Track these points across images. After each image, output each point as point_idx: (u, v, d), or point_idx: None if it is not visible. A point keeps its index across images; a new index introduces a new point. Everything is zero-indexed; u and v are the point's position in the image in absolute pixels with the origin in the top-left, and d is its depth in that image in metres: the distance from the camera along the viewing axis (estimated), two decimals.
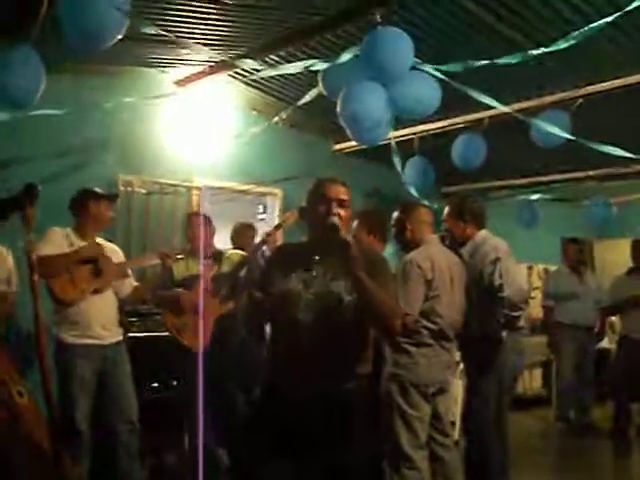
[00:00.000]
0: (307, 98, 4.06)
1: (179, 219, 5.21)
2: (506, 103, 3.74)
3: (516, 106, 4.72)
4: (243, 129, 5.46)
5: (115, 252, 3.96)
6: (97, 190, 3.86)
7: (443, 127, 5.81)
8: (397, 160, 4.69)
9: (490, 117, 5.29)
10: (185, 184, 5.47)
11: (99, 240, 3.88)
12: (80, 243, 3.77)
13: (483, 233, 3.96)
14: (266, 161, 6.03)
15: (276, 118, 4.60)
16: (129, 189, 5.09)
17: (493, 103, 3.44)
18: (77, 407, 3.65)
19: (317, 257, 2.23)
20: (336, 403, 2.13)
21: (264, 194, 6.22)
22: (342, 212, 2.25)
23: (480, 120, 5.40)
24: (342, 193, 2.29)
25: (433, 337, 3.38)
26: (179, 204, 5.40)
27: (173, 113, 5.34)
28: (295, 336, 2.21)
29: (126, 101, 4.05)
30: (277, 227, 4.11)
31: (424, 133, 5.91)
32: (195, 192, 5.54)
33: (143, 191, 5.15)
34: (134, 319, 4.60)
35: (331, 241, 2.10)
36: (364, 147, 5.36)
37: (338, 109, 3.52)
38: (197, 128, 5.48)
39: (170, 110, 5.30)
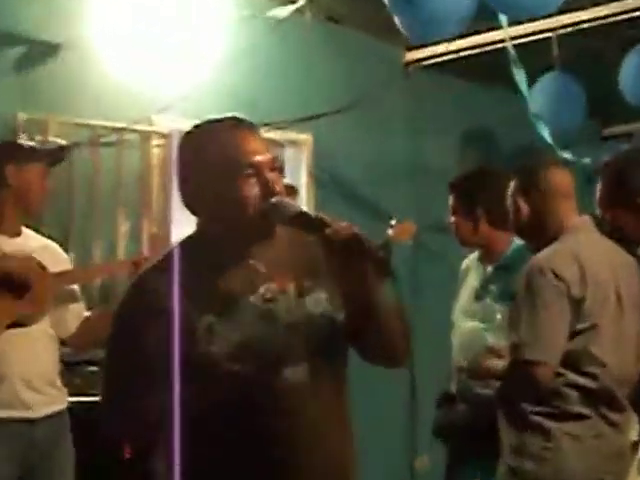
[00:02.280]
0: None
1: (129, 187, 4.55)
2: None
3: None
4: (241, 31, 4.78)
5: (53, 255, 3.45)
6: (21, 143, 3.62)
7: (605, 17, 4.78)
8: (520, 78, 4.42)
9: None
10: (139, 128, 4.67)
11: (26, 233, 3.43)
12: None
13: None
14: (282, 85, 5.19)
15: (301, 1, 4.32)
16: (38, 137, 4.26)
17: None
18: None
19: (253, 260, 1.79)
20: None
21: (279, 143, 5.33)
22: (276, 176, 1.80)
23: None
24: (265, 147, 1.80)
25: (588, 402, 2.84)
26: (128, 161, 4.66)
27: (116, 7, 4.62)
28: (272, 437, 1.72)
29: None
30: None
31: (569, 29, 4.94)
32: (157, 141, 4.76)
33: (61, 141, 4.32)
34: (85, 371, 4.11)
35: (268, 226, 1.74)
36: (458, 55, 5.07)
37: None
38: (160, 32, 4.62)
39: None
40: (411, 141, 5.19)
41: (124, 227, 4.37)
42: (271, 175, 1.78)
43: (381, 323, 1.79)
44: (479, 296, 3.18)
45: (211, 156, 1.78)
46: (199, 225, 1.85)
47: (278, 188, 1.76)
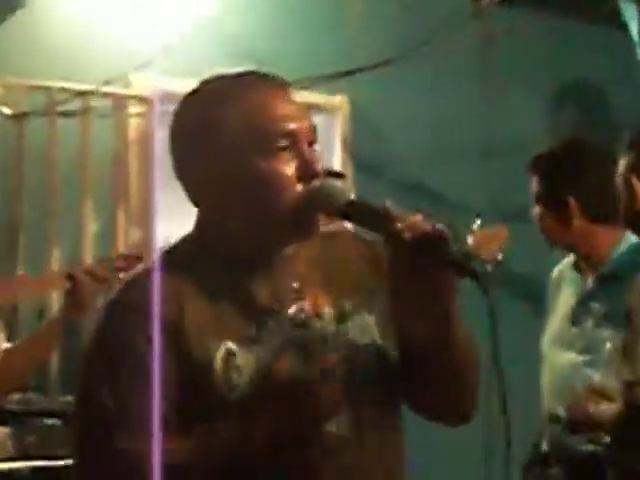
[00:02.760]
0: None
1: (99, 171, 4.44)
2: None
3: None
4: None
5: None
6: None
7: None
8: (629, 14, 4.56)
9: None
10: (111, 90, 4.50)
11: None
12: None
13: None
14: (302, 31, 5.02)
15: None
16: None
17: None
18: None
19: (296, 284, 1.77)
20: None
21: (307, 107, 4.75)
22: (316, 152, 1.78)
23: None
24: (302, 112, 1.76)
25: None
26: (97, 135, 4.51)
27: None
28: None
29: None
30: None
31: None
32: (135, 108, 4.65)
33: (6, 111, 4.27)
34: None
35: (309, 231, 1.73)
36: None
37: None
38: None
39: None
40: (482, 103, 4.88)
41: (92, 226, 4.22)
42: (310, 150, 1.73)
43: (454, 360, 1.76)
44: (577, 318, 3.06)
45: (226, 123, 1.72)
46: (205, 221, 1.80)
47: (319, 167, 1.71)
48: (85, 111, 4.35)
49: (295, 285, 1.74)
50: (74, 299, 3.38)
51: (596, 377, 2.86)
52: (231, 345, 1.70)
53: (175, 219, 4.68)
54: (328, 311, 1.77)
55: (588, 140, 3.59)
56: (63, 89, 4.30)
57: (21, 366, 3.48)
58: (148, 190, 4.21)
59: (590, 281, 3.10)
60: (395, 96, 4.71)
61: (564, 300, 3.19)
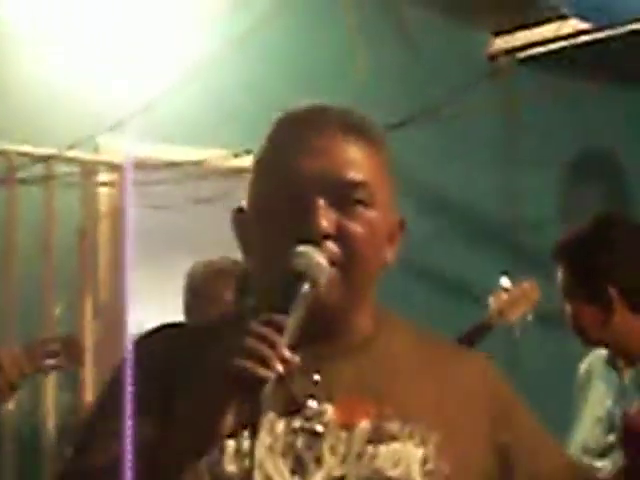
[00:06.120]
0: None
1: (63, 247, 4.41)
2: None
3: None
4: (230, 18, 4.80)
5: None
6: None
7: None
8: None
9: None
10: (79, 156, 4.42)
11: None
12: None
13: None
14: (298, 84, 4.92)
15: None
16: None
17: None
18: None
19: (318, 376, 1.59)
20: None
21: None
22: (356, 227, 1.54)
23: None
24: (351, 162, 1.58)
25: None
26: (62, 206, 4.45)
27: None
28: None
29: None
30: None
31: None
32: (105, 176, 4.60)
33: None
34: None
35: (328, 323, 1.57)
36: (572, 42, 5.09)
37: None
38: (108, 21, 4.64)
39: None
40: (497, 171, 4.85)
41: (55, 309, 4.08)
42: (340, 214, 1.60)
43: None
44: (615, 421, 2.82)
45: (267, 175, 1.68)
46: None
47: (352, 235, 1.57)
48: (48, 178, 4.23)
49: (316, 378, 1.57)
50: None
51: None
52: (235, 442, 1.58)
53: (151, 301, 4.58)
54: (363, 428, 1.60)
55: (624, 216, 3.44)
56: (23, 153, 4.17)
57: None
58: (119, 269, 4.03)
59: (628, 377, 2.91)
60: (400, 160, 4.71)
61: (597, 400, 3.00)
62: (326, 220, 1.48)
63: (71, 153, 4.23)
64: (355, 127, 1.56)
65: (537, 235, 3.88)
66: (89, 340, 4.03)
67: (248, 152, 4.35)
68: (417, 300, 4.60)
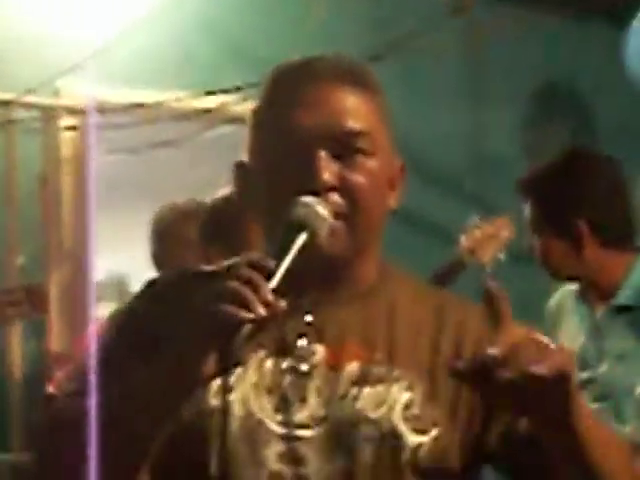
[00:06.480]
0: None
1: (25, 195, 4.48)
2: None
3: None
4: None
5: None
6: None
7: None
8: None
9: None
10: (39, 100, 4.43)
11: None
12: None
13: None
14: (265, 25, 4.99)
15: None
16: None
17: None
18: None
19: (309, 316, 1.61)
20: None
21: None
22: (358, 178, 1.56)
23: None
24: (348, 111, 1.58)
25: None
26: (22, 153, 4.44)
27: None
28: None
29: None
30: None
31: None
32: (66, 121, 4.54)
33: None
34: None
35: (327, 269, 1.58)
36: None
37: None
38: None
39: None
40: (464, 109, 4.82)
41: (18, 258, 4.05)
42: (341, 165, 1.61)
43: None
44: (588, 358, 2.90)
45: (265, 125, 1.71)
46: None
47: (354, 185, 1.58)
48: (8, 124, 4.21)
49: (308, 319, 1.59)
50: None
51: (625, 431, 2.68)
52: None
53: (117, 248, 4.60)
54: (351, 369, 1.62)
55: (590, 151, 3.41)
56: None
57: None
58: (83, 215, 3.98)
59: (601, 314, 2.93)
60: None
61: (569, 336, 3.01)
62: (328, 172, 1.49)
63: (30, 98, 4.22)
64: (351, 75, 1.57)
65: (502, 172, 3.86)
66: (54, 288, 4.01)
67: (209, 93, 4.52)
68: (385, 240, 4.56)
